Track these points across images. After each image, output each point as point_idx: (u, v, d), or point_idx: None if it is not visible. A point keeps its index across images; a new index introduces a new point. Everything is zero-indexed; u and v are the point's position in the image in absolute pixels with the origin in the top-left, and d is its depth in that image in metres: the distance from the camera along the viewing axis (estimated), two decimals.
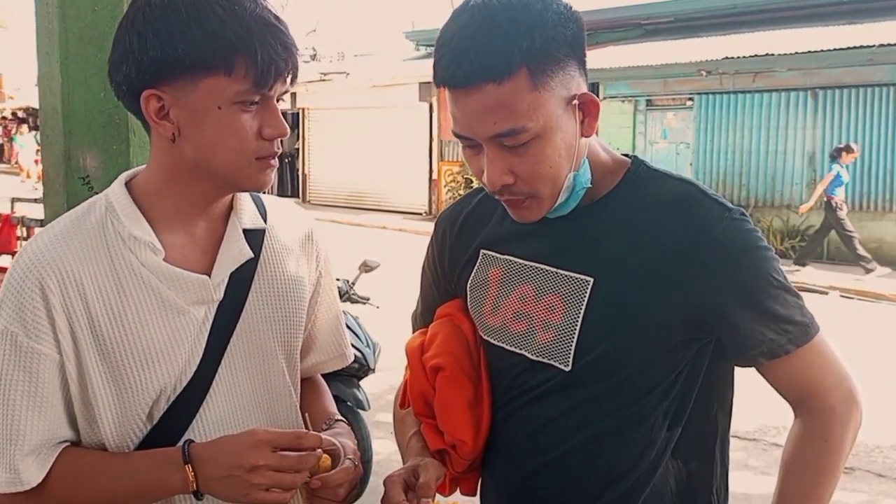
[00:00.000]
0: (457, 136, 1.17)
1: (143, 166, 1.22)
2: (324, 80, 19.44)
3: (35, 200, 7.31)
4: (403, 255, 6.57)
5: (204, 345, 1.18)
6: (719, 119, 13.48)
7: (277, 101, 1.16)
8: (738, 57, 12.64)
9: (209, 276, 1.18)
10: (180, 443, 1.14)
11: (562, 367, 1.20)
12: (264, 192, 1.30)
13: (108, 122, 1.58)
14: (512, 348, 1.25)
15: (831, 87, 12.32)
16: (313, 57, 21.01)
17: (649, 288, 1.16)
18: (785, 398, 1.25)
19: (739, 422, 1.86)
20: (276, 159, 1.18)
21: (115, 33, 1.14)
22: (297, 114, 21.00)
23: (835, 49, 11.73)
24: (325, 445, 1.15)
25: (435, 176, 17.80)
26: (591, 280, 1.18)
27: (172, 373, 1.15)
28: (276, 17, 1.12)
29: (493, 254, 1.30)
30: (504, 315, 1.27)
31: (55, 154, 1.63)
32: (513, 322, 1.26)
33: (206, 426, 1.19)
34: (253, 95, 1.10)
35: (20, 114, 32.85)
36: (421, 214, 17.87)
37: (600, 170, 1.23)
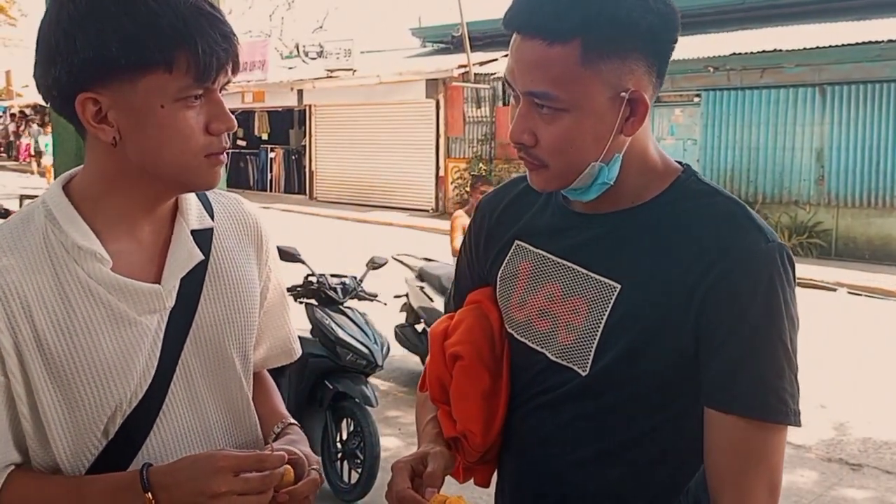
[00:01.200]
0: (505, 81, 1.16)
1: (80, 167, 1.15)
2: (330, 77, 19.45)
3: None
4: (410, 252, 6.58)
5: (158, 355, 1.13)
6: (727, 115, 13.45)
7: (221, 91, 1.09)
8: (746, 53, 12.61)
9: (159, 282, 1.12)
10: (132, 466, 1.10)
11: (579, 371, 1.18)
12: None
13: None
14: (534, 346, 1.23)
15: (839, 83, 12.28)
16: (320, 54, 20.98)
17: (672, 302, 1.12)
18: (708, 472, 1.12)
19: None
20: (226, 155, 1.11)
21: (38, 33, 1.05)
22: (304, 111, 21.03)
23: (843, 45, 11.69)
24: (287, 457, 1.11)
25: (442, 173, 17.81)
26: (618, 287, 1.15)
27: (127, 387, 1.09)
28: (212, 6, 1.05)
29: (527, 246, 1.28)
30: (530, 311, 1.24)
31: (68, 152, 1.64)
32: (537, 319, 1.23)
33: (164, 437, 1.14)
34: (196, 90, 1.04)
35: (28, 111, 32.96)
36: (427, 211, 17.89)
37: (649, 173, 1.19)
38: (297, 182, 21.87)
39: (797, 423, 1.09)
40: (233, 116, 1.09)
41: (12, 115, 34.69)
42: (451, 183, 17.31)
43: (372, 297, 4.50)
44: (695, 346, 1.11)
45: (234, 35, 1.07)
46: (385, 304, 4.62)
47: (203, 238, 1.19)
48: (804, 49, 12.05)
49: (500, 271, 1.31)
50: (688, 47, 13.13)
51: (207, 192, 1.24)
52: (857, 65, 11.96)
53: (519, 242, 1.29)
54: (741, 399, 1.08)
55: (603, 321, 1.16)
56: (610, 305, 1.15)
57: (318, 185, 21.05)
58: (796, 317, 1.12)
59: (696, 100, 13.83)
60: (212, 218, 1.22)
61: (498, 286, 1.31)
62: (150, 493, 1.03)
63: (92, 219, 1.10)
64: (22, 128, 32.79)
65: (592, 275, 1.18)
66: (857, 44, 11.57)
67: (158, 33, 1.00)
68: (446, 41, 20.33)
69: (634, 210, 1.18)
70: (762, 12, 14.65)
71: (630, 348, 1.14)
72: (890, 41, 11.24)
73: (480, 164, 16.51)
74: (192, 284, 1.16)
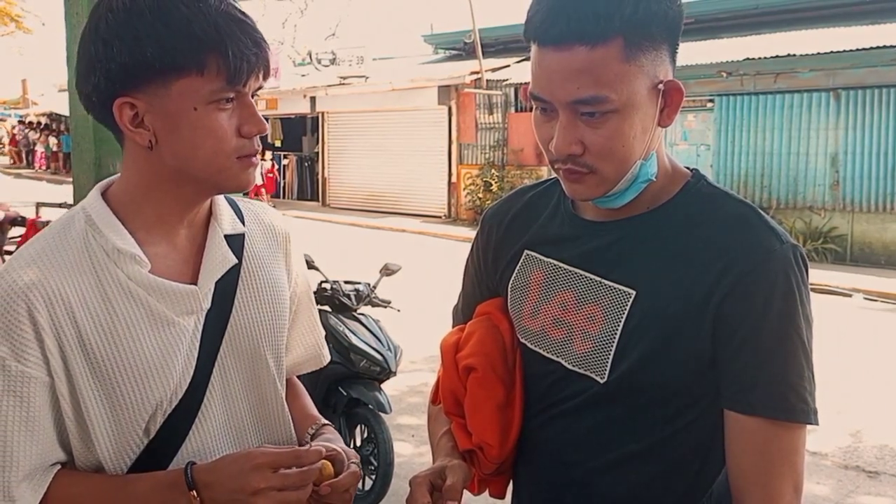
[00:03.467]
0: (533, 97, 1.12)
1: (117, 175, 1.20)
2: (343, 84, 19.52)
3: (60, 205, 7.38)
4: (423, 259, 6.58)
5: (196, 355, 1.16)
6: (740, 120, 13.39)
7: (253, 97, 1.13)
8: (760, 58, 12.56)
9: (195, 284, 1.16)
10: (172, 465, 1.13)
11: (598, 378, 1.17)
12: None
13: None
14: (549, 355, 1.23)
15: (854, 88, 12.20)
16: (332, 61, 21.06)
17: (688, 306, 1.12)
18: (731, 473, 1.13)
19: None
20: (257, 157, 1.16)
21: (79, 43, 1.11)
22: (317, 118, 21.10)
23: (857, 49, 11.63)
24: (326, 453, 1.15)
25: (454, 179, 17.81)
26: (633, 293, 1.15)
27: (167, 386, 1.13)
28: (243, 13, 1.09)
29: (537, 255, 1.27)
30: (543, 320, 1.24)
31: (86, 161, 1.65)
32: (552, 328, 1.22)
33: (202, 436, 1.17)
34: (227, 93, 1.08)
35: (43, 120, 33.22)
36: (440, 218, 17.88)
37: (664, 177, 1.19)
38: (310, 189, 21.93)
39: (817, 422, 1.10)
40: (264, 120, 1.13)
41: (29, 124, 34.97)
42: (464, 189, 17.29)
43: (385, 303, 4.51)
44: (712, 349, 1.12)
45: (265, 41, 1.11)
46: (399, 311, 4.62)
47: (236, 243, 1.23)
48: (818, 54, 11.99)
49: (511, 282, 1.30)
50: (701, 52, 13.10)
51: (238, 200, 1.30)
52: (871, 69, 11.89)
53: (529, 252, 1.28)
54: (763, 400, 1.09)
55: (619, 328, 1.15)
56: (626, 312, 1.15)
57: (331, 192, 21.10)
58: (811, 316, 1.13)
59: (710, 105, 13.77)
60: (243, 224, 1.26)
61: (509, 297, 1.30)
62: (194, 491, 1.07)
63: (130, 223, 1.14)
64: (38, 136, 33.05)
65: (606, 282, 1.18)
66: (872, 48, 11.50)
67: (190, 38, 1.04)
68: (458, 48, 20.36)
69: (645, 216, 1.18)
70: (776, 17, 14.59)
71: (648, 354, 1.14)
72: None
73: (493, 171, 16.50)
74: (227, 287, 1.20)
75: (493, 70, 16.78)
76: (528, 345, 1.26)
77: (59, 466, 1.12)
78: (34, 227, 8.47)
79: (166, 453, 1.15)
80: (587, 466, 1.21)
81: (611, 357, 1.16)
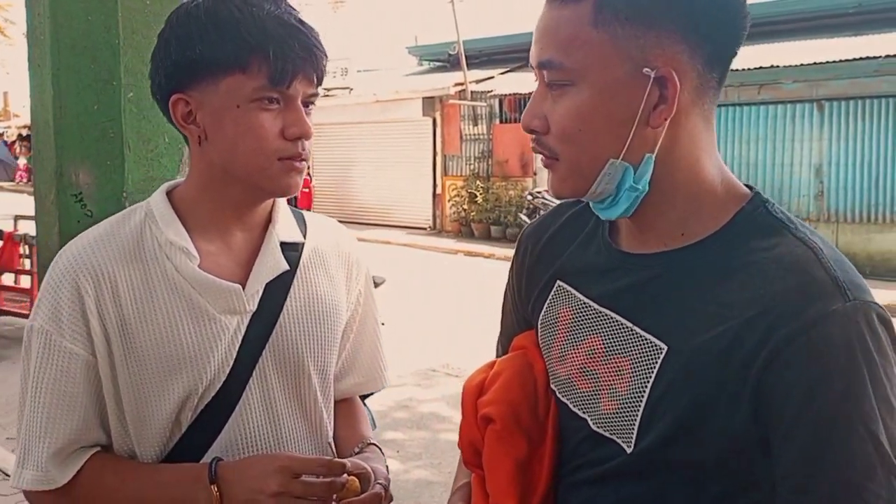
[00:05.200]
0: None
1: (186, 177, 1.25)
2: (327, 96, 19.46)
3: None
4: (408, 271, 6.51)
5: (235, 355, 1.18)
6: (725, 132, 13.43)
7: (307, 104, 1.16)
8: (743, 69, 12.61)
9: (244, 286, 1.19)
10: (204, 458, 1.16)
11: (624, 446, 0.97)
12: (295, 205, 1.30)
13: (101, 137, 1.51)
14: (576, 409, 1.03)
15: (837, 99, 12.27)
16: None
17: (725, 372, 0.89)
18: None
19: None
20: (303, 162, 1.17)
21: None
22: None
23: (840, 60, 11.70)
24: (354, 469, 1.15)
25: (439, 191, 17.77)
26: (665, 349, 0.94)
27: (198, 379, 1.15)
28: (299, 21, 1.13)
29: (568, 288, 1.08)
30: (570, 367, 1.05)
31: (47, 170, 1.57)
32: (579, 378, 1.03)
33: (235, 436, 1.19)
34: (270, 93, 1.11)
35: (24, 132, 32.97)
36: (425, 229, 17.82)
37: (703, 197, 0.97)
38: (295, 200, 21.80)
39: None
40: (309, 124, 1.15)
41: (20, 138, 34.66)
42: (449, 201, 17.26)
43: None
44: (757, 430, 0.88)
45: (319, 49, 1.15)
46: (383, 324, 4.54)
47: (292, 251, 1.25)
48: (801, 65, 12.05)
49: (542, 316, 1.12)
50: None
51: (305, 213, 1.35)
52: (854, 80, 11.96)
53: (560, 283, 1.10)
54: None
55: (647, 390, 0.95)
56: (655, 371, 0.94)
57: (316, 204, 20.98)
58: (892, 395, 0.85)
59: None
60: (304, 235, 1.29)
61: (539, 333, 1.12)
62: (215, 486, 1.10)
63: (187, 220, 1.19)
64: (18, 149, 32.78)
65: (638, 330, 0.97)
66: (855, 59, 11.58)
67: (236, 38, 1.10)
68: (443, 59, 20.36)
69: (687, 250, 0.97)
70: (759, 29, 14.68)
71: (677, 425, 0.92)
72: (888, 56, 11.24)
73: (478, 182, 16.47)
74: (277, 294, 1.22)
75: (478, 81, 16.78)
76: (558, 393, 1.07)
77: (96, 449, 1.17)
78: (11, 239, 8.36)
79: (199, 447, 1.17)
80: None
81: (637, 423, 0.95)
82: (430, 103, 17.58)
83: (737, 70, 13.25)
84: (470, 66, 16.76)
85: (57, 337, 1.12)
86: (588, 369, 1.02)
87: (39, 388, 1.13)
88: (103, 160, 1.51)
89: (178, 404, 1.15)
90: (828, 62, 11.81)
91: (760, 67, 12.40)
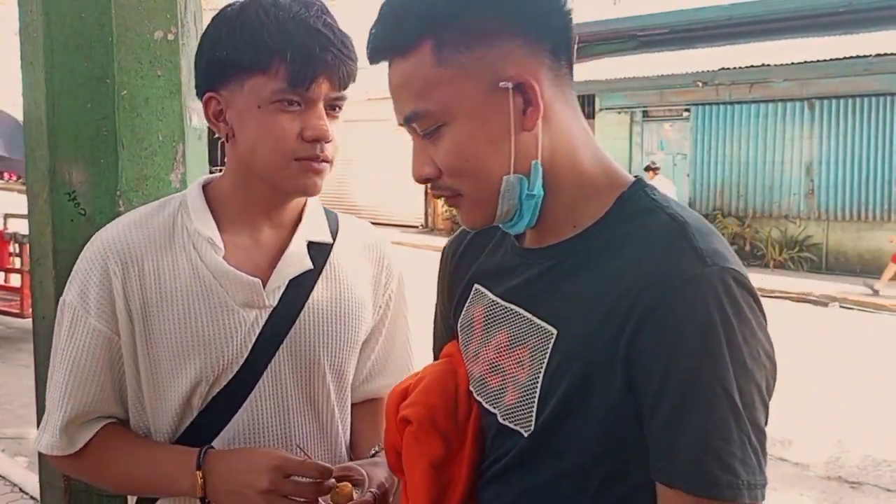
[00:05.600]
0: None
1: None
2: None
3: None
4: (401, 269, 6.48)
5: (250, 347, 1.20)
6: (716, 130, 13.47)
7: (333, 107, 1.19)
8: (735, 67, 12.65)
9: (266, 281, 1.21)
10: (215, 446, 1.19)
11: (523, 432, 0.98)
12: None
13: (95, 135, 1.50)
14: (488, 406, 1.04)
15: (828, 97, 12.32)
16: None
17: (598, 350, 0.91)
18: None
19: None
20: (322, 164, 1.20)
21: None
22: None
23: (831, 59, 11.74)
24: (355, 475, 1.17)
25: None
26: (555, 332, 0.95)
27: (210, 367, 1.18)
28: (326, 24, 1.16)
29: (483, 290, 1.11)
30: (483, 365, 1.06)
31: (40, 169, 1.55)
32: (489, 375, 1.04)
33: (243, 427, 1.21)
34: (290, 95, 1.14)
35: None
36: (417, 227, 17.83)
37: (585, 188, 0.99)
38: None
39: (755, 499, 0.84)
40: (327, 127, 1.17)
41: None
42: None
43: None
44: (633, 404, 0.89)
45: (345, 54, 1.17)
46: None
47: (320, 251, 1.28)
48: (792, 64, 12.09)
49: (461, 320, 1.14)
50: (676, 62, 13.16)
51: (340, 214, 1.38)
52: (845, 79, 12.01)
53: (476, 286, 1.13)
54: (681, 470, 0.85)
55: (541, 374, 0.95)
56: (547, 355, 0.96)
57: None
58: (758, 358, 0.86)
59: (686, 114, 13.85)
60: (335, 236, 1.31)
61: (459, 337, 1.14)
62: (200, 473, 1.13)
63: (218, 213, 1.23)
64: None
65: (534, 319, 0.99)
66: (845, 58, 11.63)
67: (258, 41, 1.13)
68: None
69: (575, 239, 0.99)
70: (749, 27, 14.71)
71: (563, 406, 0.93)
72: (877, 55, 11.29)
73: None
74: (300, 292, 1.24)
75: None
76: (475, 393, 1.08)
77: (113, 420, 1.23)
78: (1, 238, 8.32)
79: (208, 434, 1.20)
80: None
81: (534, 410, 0.96)
82: None
83: (728, 69, 13.30)
84: None
85: (83, 313, 1.19)
86: (496, 364, 1.04)
87: (64, 360, 1.20)
88: (97, 158, 1.50)
89: (189, 388, 1.19)
90: (818, 61, 11.86)
91: (751, 66, 12.45)
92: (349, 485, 1.15)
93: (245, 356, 1.20)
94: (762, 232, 12.67)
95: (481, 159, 0.95)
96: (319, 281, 1.26)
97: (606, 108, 14.63)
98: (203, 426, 1.21)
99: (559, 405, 0.94)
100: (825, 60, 11.80)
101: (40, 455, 1.24)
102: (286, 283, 1.23)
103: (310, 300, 1.25)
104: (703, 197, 13.62)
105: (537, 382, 0.96)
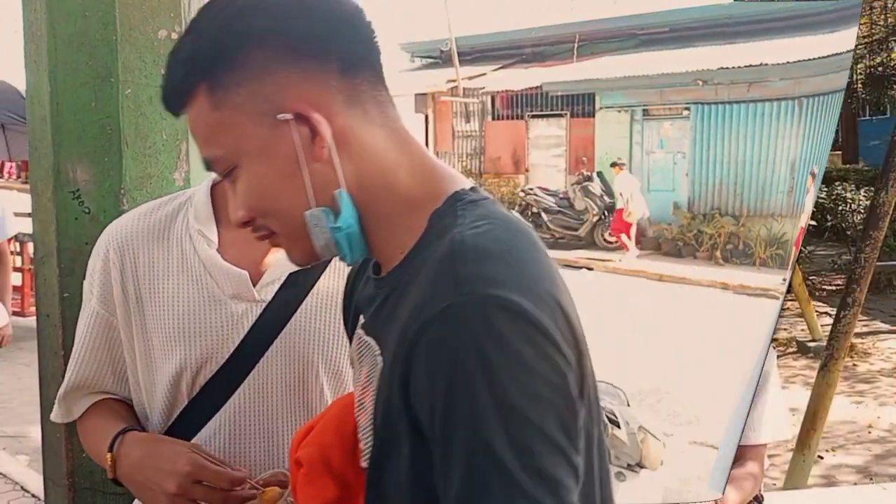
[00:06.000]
0: None
1: None
2: None
3: (28, 215, 7.21)
4: None
5: (238, 340, 1.22)
6: (715, 129, 13.46)
7: None
8: (733, 67, 12.69)
9: (260, 277, 1.24)
10: (198, 437, 1.22)
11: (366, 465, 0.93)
12: None
13: (99, 133, 1.51)
14: (361, 444, 0.97)
15: (815, 95, 12.35)
16: None
17: (393, 369, 0.85)
18: None
19: None
20: None
21: None
22: None
23: (820, 58, 11.76)
24: (280, 478, 1.15)
25: None
26: (381, 358, 0.91)
27: (192, 354, 1.22)
28: None
29: (361, 320, 1.04)
30: (357, 403, 0.99)
31: (44, 167, 1.56)
32: (359, 412, 0.97)
33: (228, 419, 1.23)
34: None
35: None
36: None
37: (399, 205, 0.92)
38: None
39: None
40: None
41: None
42: None
43: None
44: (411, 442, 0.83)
45: None
46: None
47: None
48: (787, 63, 12.12)
49: (350, 355, 1.08)
50: (676, 61, 13.21)
51: None
52: (827, 77, 12.03)
53: (361, 317, 1.05)
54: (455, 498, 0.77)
55: (374, 402, 0.90)
56: (376, 381, 0.91)
57: None
58: (535, 394, 0.76)
59: (686, 113, 13.86)
60: None
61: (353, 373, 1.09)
62: (111, 455, 1.17)
63: (222, 210, 1.25)
64: None
65: (377, 353, 0.94)
66: (831, 56, 11.64)
67: None
68: (435, 56, 20.39)
69: (401, 265, 0.92)
70: (748, 27, 14.76)
71: (380, 437, 0.89)
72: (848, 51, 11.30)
73: (470, 179, 16.48)
74: (298, 290, 1.25)
75: (470, 78, 16.78)
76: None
77: (108, 397, 1.32)
78: None
79: (196, 424, 1.23)
80: None
81: (372, 441, 0.91)
82: (422, 100, 17.47)
83: (726, 68, 13.28)
84: (462, 62, 16.76)
85: (89, 296, 1.29)
86: (362, 402, 0.97)
87: (77, 337, 1.31)
88: (101, 157, 1.51)
89: (174, 375, 1.23)
90: (809, 59, 11.88)
91: (749, 65, 12.49)
92: (276, 489, 1.12)
93: (231, 349, 1.22)
94: (754, 231, 12.71)
95: (276, 197, 0.91)
96: (321, 280, 1.27)
97: (606, 107, 14.50)
98: (191, 416, 1.24)
99: (379, 437, 0.89)
100: (817, 59, 11.82)
101: (44, 454, 1.29)
102: (283, 279, 1.24)
103: (308, 298, 1.26)
104: (701, 196, 13.64)
105: (372, 416, 0.90)
